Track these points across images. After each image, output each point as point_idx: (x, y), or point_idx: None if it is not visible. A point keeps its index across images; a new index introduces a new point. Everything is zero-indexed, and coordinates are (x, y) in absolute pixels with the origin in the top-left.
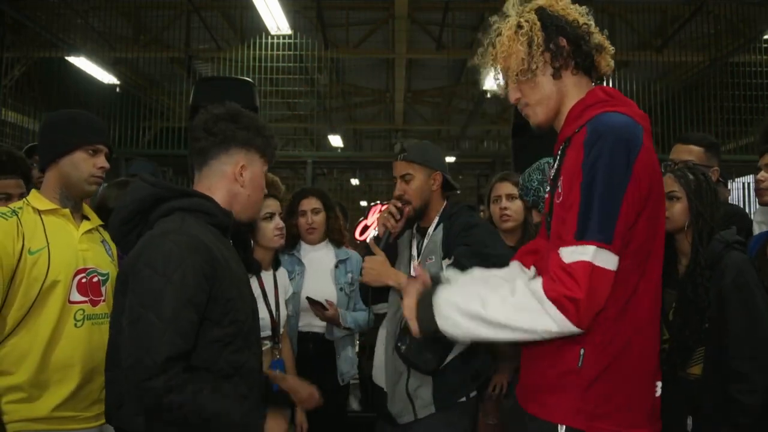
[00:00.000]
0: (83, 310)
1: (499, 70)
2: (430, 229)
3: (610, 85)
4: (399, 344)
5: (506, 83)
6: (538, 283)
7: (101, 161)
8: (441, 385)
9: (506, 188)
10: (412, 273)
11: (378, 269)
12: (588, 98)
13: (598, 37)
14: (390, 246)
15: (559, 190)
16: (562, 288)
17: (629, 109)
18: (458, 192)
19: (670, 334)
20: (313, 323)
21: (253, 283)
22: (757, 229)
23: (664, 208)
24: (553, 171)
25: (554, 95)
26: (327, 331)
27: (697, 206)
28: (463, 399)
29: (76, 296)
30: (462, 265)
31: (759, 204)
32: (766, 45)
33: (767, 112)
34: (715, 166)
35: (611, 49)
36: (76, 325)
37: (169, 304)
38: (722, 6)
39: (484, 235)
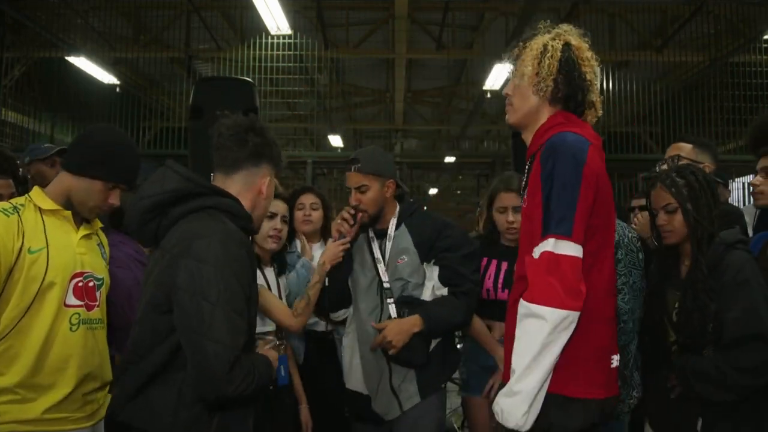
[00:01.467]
0: (78, 314)
1: (514, 65)
2: (390, 231)
3: (611, 85)
4: None
5: (512, 77)
6: (521, 300)
7: (114, 198)
8: (424, 375)
9: (513, 200)
10: (382, 276)
11: (405, 330)
12: (549, 121)
13: (594, 97)
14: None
15: (525, 197)
16: (532, 282)
17: (581, 130)
18: (407, 191)
19: (675, 335)
20: (313, 322)
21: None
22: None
23: (611, 205)
24: (523, 182)
25: (532, 113)
26: (336, 330)
27: (693, 216)
28: (443, 385)
29: (72, 300)
30: (459, 273)
31: (754, 206)
32: (766, 45)
33: (766, 113)
34: (706, 163)
35: (600, 111)
36: (71, 328)
37: (225, 293)
38: (722, 6)
39: (458, 235)
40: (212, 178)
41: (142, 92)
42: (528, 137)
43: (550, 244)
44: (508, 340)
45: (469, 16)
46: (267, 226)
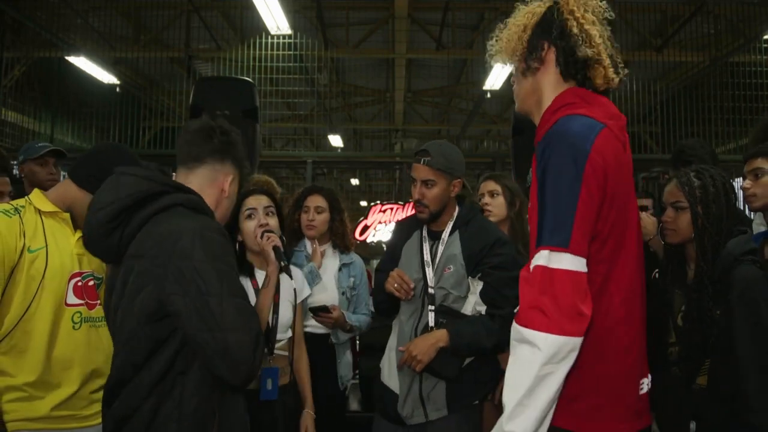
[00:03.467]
0: (80, 313)
1: (497, 46)
2: (445, 235)
3: None
4: None
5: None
6: (513, 324)
7: None
8: (454, 389)
9: (488, 186)
10: (428, 277)
11: (430, 345)
12: (555, 102)
13: (588, 51)
14: (394, 249)
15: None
16: (523, 302)
17: (594, 110)
18: (471, 193)
19: (677, 339)
20: (311, 325)
21: (246, 284)
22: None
23: (628, 200)
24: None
25: (530, 94)
26: (333, 334)
27: (702, 219)
28: (475, 402)
29: (72, 299)
30: (503, 295)
31: (749, 210)
32: (766, 45)
33: (767, 113)
34: None
35: (610, 67)
36: (74, 327)
37: (233, 280)
38: (722, 6)
39: (510, 253)
40: (173, 175)
41: (142, 92)
42: (537, 121)
43: (543, 257)
44: None
45: (469, 16)
46: (251, 226)
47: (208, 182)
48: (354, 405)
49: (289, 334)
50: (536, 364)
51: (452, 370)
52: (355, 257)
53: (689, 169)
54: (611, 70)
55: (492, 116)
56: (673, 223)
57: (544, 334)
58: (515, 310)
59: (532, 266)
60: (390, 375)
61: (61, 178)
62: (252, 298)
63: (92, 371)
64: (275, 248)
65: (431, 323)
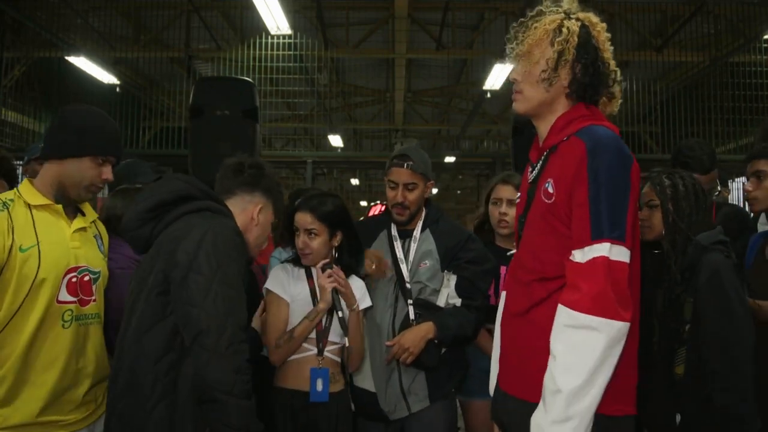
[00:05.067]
0: (72, 311)
1: (518, 47)
2: (416, 233)
3: None
4: None
5: (517, 61)
6: (563, 308)
7: (107, 173)
8: (434, 379)
9: (508, 192)
10: (404, 273)
11: (421, 337)
12: (572, 112)
13: (616, 88)
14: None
15: (550, 191)
16: (585, 290)
17: (608, 125)
18: (432, 195)
19: (658, 334)
20: None
21: (302, 282)
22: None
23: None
24: (532, 176)
25: (547, 104)
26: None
27: (671, 215)
28: (452, 390)
29: (65, 296)
30: (476, 287)
31: (750, 212)
32: (766, 45)
33: (767, 112)
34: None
35: (619, 101)
36: (63, 326)
37: (238, 282)
38: (722, 6)
39: (481, 248)
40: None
41: (142, 92)
42: (542, 126)
43: (605, 249)
44: (510, 343)
45: (469, 16)
46: (298, 244)
47: (238, 211)
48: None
49: (345, 342)
50: (599, 348)
51: (434, 359)
52: None
53: (661, 170)
54: (618, 104)
55: (492, 116)
56: (648, 221)
57: (607, 320)
58: (485, 301)
59: (587, 256)
60: (364, 376)
61: None
62: (303, 294)
63: (78, 371)
64: (335, 290)
65: (411, 316)
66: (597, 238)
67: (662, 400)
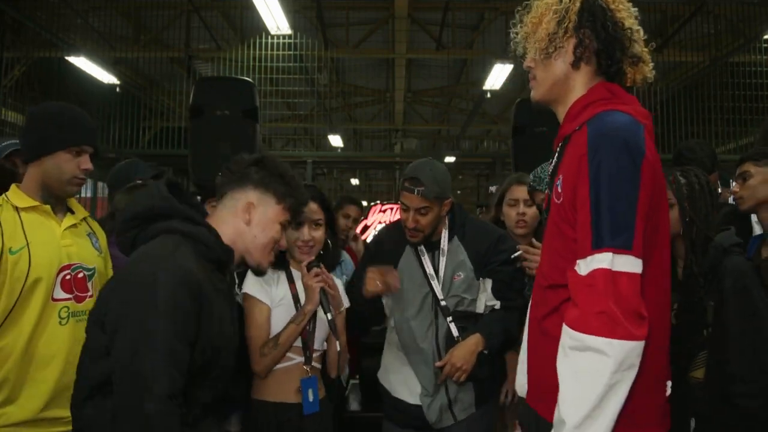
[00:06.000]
0: (68, 307)
1: (523, 29)
2: (444, 245)
3: None
4: None
5: (527, 48)
6: (565, 327)
7: (85, 162)
8: (481, 386)
9: (524, 192)
10: (436, 290)
11: (471, 352)
12: (589, 95)
13: (638, 48)
14: (386, 258)
15: (559, 190)
16: (584, 307)
17: (631, 107)
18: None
19: (672, 337)
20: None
21: (283, 285)
22: (757, 229)
23: (666, 207)
24: (551, 168)
25: (561, 83)
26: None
27: (689, 214)
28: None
29: (60, 294)
30: (513, 288)
31: (739, 211)
32: (766, 45)
33: (767, 112)
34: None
35: (649, 63)
36: (60, 323)
37: (162, 337)
38: (722, 6)
39: (513, 247)
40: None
41: (142, 92)
42: (560, 112)
43: (606, 260)
44: (533, 357)
45: (469, 16)
46: (291, 237)
47: (229, 212)
48: (354, 405)
49: (326, 346)
50: (606, 372)
51: (487, 371)
52: (345, 255)
53: (674, 169)
54: (649, 67)
55: (492, 116)
56: None
57: (612, 340)
58: (523, 301)
59: (588, 268)
60: (408, 389)
61: None
62: (286, 299)
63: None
64: (323, 291)
65: (455, 333)
66: (598, 247)
67: (675, 405)
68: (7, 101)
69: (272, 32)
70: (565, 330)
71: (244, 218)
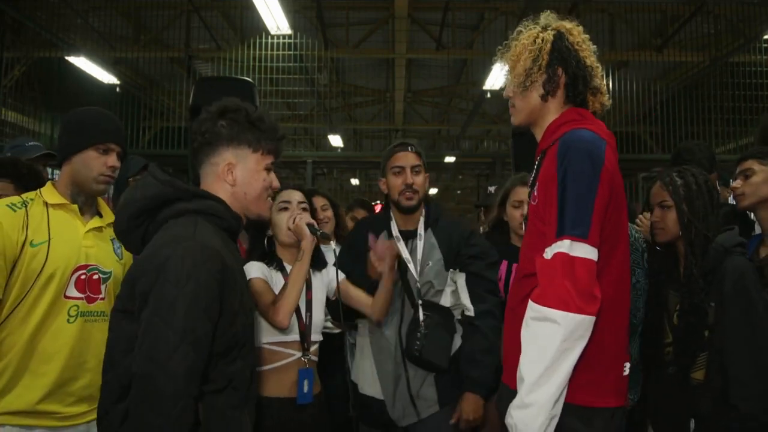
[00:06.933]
0: (77, 306)
1: (505, 66)
2: (420, 231)
3: (611, 84)
4: (415, 347)
5: (508, 79)
6: (530, 302)
7: (112, 160)
8: (444, 383)
9: (527, 194)
10: (413, 273)
11: (480, 405)
12: (562, 117)
13: (597, 82)
14: (356, 249)
15: (535, 194)
16: (545, 284)
17: (596, 127)
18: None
19: (674, 338)
20: (327, 328)
21: (278, 279)
22: (758, 229)
23: (624, 205)
24: (530, 179)
25: (536, 110)
26: (350, 334)
27: (687, 215)
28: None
29: (72, 292)
30: (486, 278)
31: (738, 209)
32: (766, 45)
33: (767, 113)
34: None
35: (606, 94)
36: (68, 320)
37: (182, 315)
38: (722, 6)
39: (483, 243)
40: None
41: (142, 92)
42: (537, 134)
43: (565, 246)
44: (508, 342)
45: (469, 16)
46: (282, 219)
47: (212, 179)
48: None
49: (321, 337)
50: (557, 339)
51: (444, 360)
52: None
53: (671, 170)
54: (606, 97)
55: (492, 116)
56: (661, 222)
57: (565, 312)
58: (497, 299)
59: (551, 253)
60: (372, 382)
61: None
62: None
63: (79, 365)
64: (309, 225)
65: (421, 318)
66: (559, 235)
67: (675, 405)
68: (7, 101)
69: (272, 32)
70: (530, 305)
71: (229, 180)
